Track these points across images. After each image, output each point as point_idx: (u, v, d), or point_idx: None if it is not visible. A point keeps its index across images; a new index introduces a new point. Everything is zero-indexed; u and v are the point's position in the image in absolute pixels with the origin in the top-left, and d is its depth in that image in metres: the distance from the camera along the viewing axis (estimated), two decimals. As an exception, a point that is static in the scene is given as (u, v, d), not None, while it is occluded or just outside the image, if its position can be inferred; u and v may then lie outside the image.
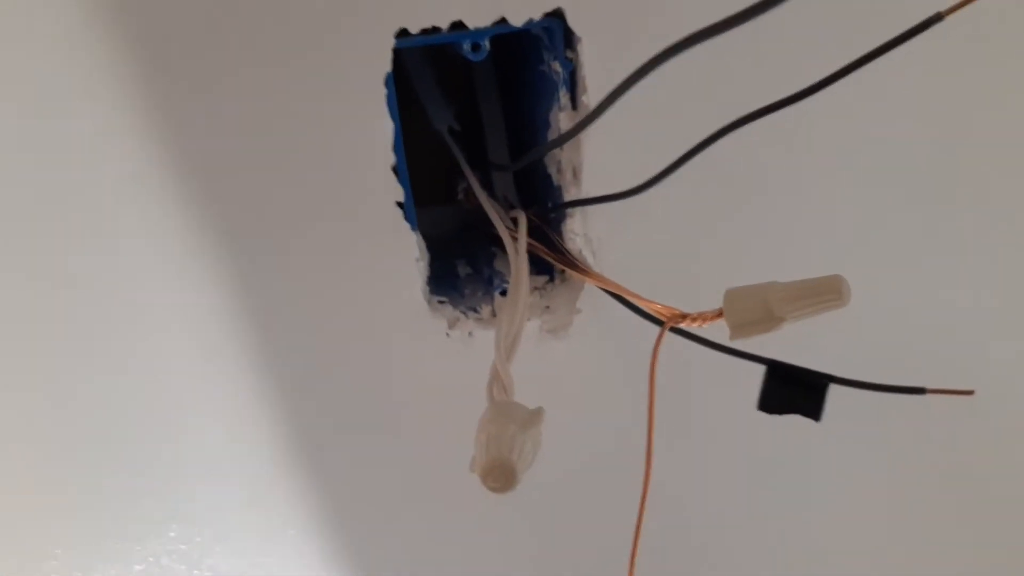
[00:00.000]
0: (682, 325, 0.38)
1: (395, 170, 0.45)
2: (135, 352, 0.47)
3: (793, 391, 0.40)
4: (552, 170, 0.49)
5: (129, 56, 0.41)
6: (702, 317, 0.38)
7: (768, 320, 0.34)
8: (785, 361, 0.40)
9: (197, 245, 0.45)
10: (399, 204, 0.45)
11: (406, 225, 0.46)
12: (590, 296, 0.50)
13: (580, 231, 0.49)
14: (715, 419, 0.54)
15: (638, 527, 0.37)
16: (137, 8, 0.40)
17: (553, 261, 0.44)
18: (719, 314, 0.36)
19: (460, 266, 0.54)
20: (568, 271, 0.44)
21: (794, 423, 0.38)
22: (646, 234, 0.48)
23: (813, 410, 0.40)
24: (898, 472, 0.58)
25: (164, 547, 0.51)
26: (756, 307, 0.35)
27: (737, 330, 0.35)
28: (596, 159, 0.48)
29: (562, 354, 0.51)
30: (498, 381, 0.35)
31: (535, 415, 0.31)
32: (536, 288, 0.52)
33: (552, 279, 0.52)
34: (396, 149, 0.45)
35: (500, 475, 0.27)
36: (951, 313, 0.53)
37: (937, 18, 0.34)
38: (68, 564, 0.51)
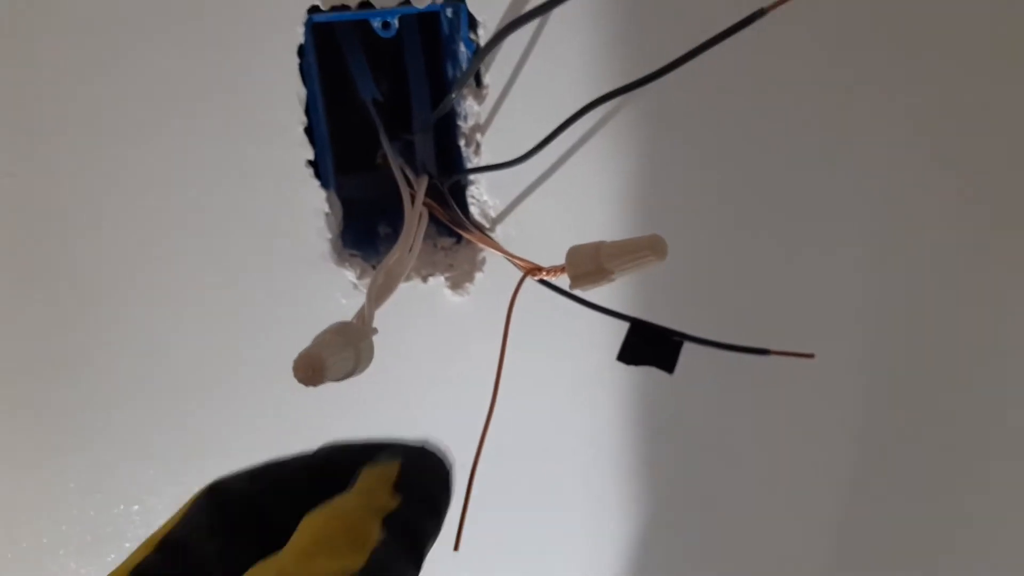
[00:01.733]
0: (539, 277, 0.43)
1: (307, 131, 0.50)
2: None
3: (652, 347, 0.45)
4: (462, 143, 0.54)
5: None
6: (552, 270, 0.43)
7: (599, 272, 0.39)
8: (646, 320, 0.45)
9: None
10: (310, 162, 0.50)
11: (316, 182, 0.51)
12: (490, 258, 0.55)
13: (478, 197, 0.54)
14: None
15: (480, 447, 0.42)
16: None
17: (441, 218, 0.49)
18: (563, 268, 0.42)
19: (381, 227, 0.59)
20: (455, 228, 0.49)
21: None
22: (525, 201, 0.53)
23: (668, 364, 0.45)
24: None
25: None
26: (589, 261, 0.40)
27: (575, 281, 0.40)
28: (494, 134, 0.53)
29: (461, 307, 0.56)
30: (360, 314, 0.40)
31: (364, 332, 0.36)
32: (443, 248, 0.57)
33: (458, 241, 0.57)
34: (310, 112, 0.51)
35: (307, 366, 0.31)
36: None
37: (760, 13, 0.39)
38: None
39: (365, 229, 0.59)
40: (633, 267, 0.39)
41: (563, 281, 0.43)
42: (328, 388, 0.55)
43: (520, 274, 0.45)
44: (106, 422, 0.55)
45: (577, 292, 0.41)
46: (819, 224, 0.57)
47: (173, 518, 0.28)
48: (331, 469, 0.29)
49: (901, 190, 0.56)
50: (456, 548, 0.39)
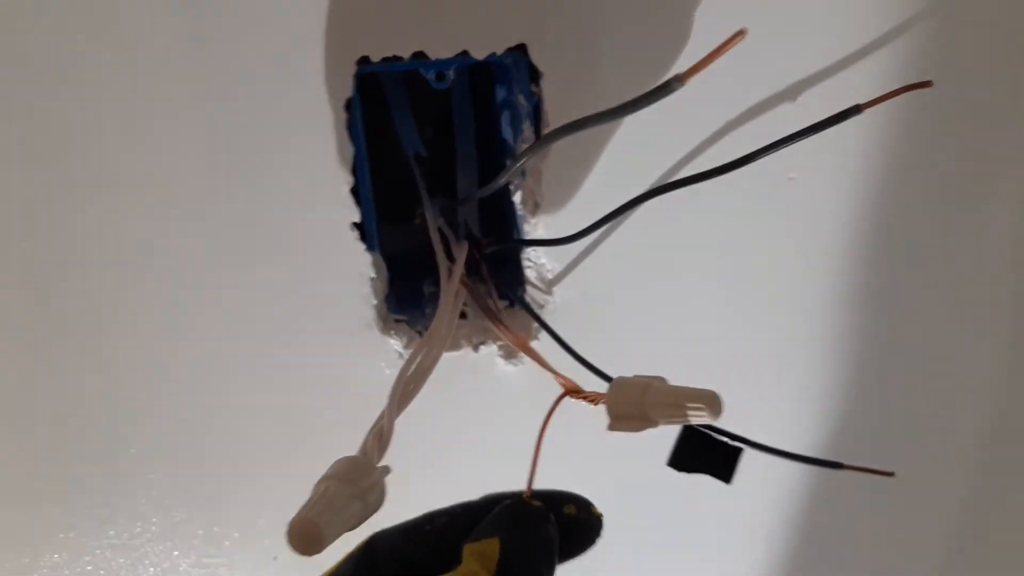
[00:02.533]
0: (574, 399, 0.38)
1: (354, 192, 0.46)
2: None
3: (708, 452, 0.40)
4: (517, 198, 0.49)
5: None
6: (591, 397, 0.38)
7: (641, 419, 0.34)
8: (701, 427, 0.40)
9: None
10: (355, 225, 0.47)
11: (361, 245, 0.47)
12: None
13: (535, 260, 0.49)
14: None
15: None
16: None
17: (476, 302, 0.45)
18: (602, 398, 0.36)
19: (425, 285, 0.55)
20: (489, 319, 0.44)
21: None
22: (586, 262, 0.48)
23: (725, 474, 0.39)
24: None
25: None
26: (633, 404, 0.34)
27: (614, 422, 0.35)
28: (555, 194, 0.47)
29: (514, 377, 0.52)
30: (377, 431, 0.36)
31: (374, 477, 0.31)
32: (496, 312, 0.52)
33: (512, 304, 0.52)
34: (357, 171, 0.46)
35: (302, 536, 0.26)
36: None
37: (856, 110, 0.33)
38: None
39: (410, 289, 0.55)
40: (681, 420, 0.33)
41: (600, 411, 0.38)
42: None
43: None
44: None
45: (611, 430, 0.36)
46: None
47: (330, 569, 0.30)
48: (461, 529, 0.31)
49: None
50: None
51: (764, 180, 0.47)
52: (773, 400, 0.53)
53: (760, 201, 0.47)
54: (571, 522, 0.33)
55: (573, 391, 0.39)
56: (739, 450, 0.39)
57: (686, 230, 0.48)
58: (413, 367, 0.40)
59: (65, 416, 0.50)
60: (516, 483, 0.54)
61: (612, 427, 0.35)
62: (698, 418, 0.33)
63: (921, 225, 0.49)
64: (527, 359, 0.51)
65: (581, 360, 0.43)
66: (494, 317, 0.44)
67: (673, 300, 0.50)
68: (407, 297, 0.52)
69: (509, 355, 0.51)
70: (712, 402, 0.32)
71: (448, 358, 0.47)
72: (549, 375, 0.40)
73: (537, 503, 0.32)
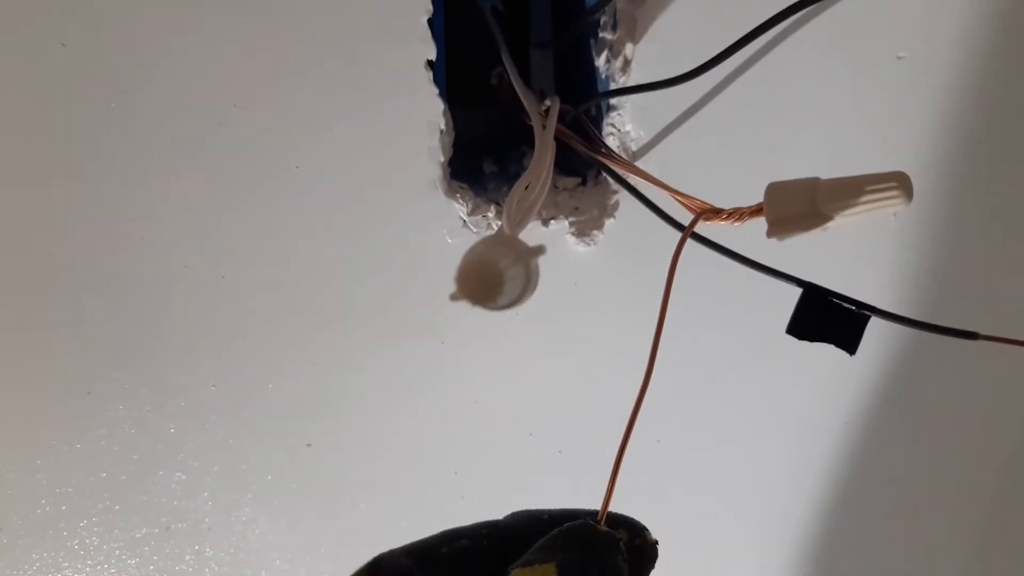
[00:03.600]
0: (716, 221, 0.34)
1: (430, 23, 0.41)
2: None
3: (829, 319, 0.36)
4: (600, 60, 0.45)
5: None
6: (739, 213, 0.33)
7: (812, 217, 0.30)
8: (823, 287, 0.35)
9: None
10: (430, 63, 0.42)
11: (434, 89, 0.42)
12: (624, 201, 0.46)
13: (619, 127, 0.45)
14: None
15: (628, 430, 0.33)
16: None
17: (585, 150, 0.40)
18: (758, 210, 0.32)
19: (486, 164, 0.50)
20: (600, 160, 0.40)
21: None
22: (675, 134, 0.44)
23: (849, 343, 0.35)
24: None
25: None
26: (800, 201, 0.30)
27: (776, 226, 0.31)
28: (649, 49, 0.43)
29: (585, 257, 0.47)
30: (508, 210, 0.31)
31: (531, 248, 0.27)
32: (567, 190, 0.48)
33: (584, 182, 0.48)
34: (434, 10, 0.42)
35: (479, 279, 0.23)
36: None
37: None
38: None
39: (470, 165, 0.50)
40: (864, 211, 0.29)
41: (746, 230, 0.34)
42: (431, 328, 0.47)
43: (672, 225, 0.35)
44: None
45: (775, 239, 0.31)
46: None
47: None
48: (485, 553, 0.27)
49: None
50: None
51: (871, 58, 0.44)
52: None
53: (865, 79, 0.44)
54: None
55: (709, 212, 0.34)
56: (866, 317, 0.35)
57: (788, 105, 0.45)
58: (519, 189, 0.35)
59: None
60: (576, 376, 0.49)
61: (773, 232, 0.31)
62: (887, 204, 0.29)
63: None
64: (601, 238, 0.46)
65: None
66: (609, 156, 0.39)
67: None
68: (467, 171, 0.47)
69: (582, 232, 0.46)
70: (903, 181, 0.28)
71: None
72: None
73: (605, 529, 0.26)
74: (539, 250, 0.29)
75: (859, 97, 0.44)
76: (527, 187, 0.37)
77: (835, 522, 0.55)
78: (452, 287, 0.28)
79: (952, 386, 0.51)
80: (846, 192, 0.29)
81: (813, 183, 0.30)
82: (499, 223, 0.46)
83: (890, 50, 0.44)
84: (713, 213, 0.34)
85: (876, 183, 0.29)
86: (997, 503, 0.54)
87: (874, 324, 0.35)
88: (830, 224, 0.30)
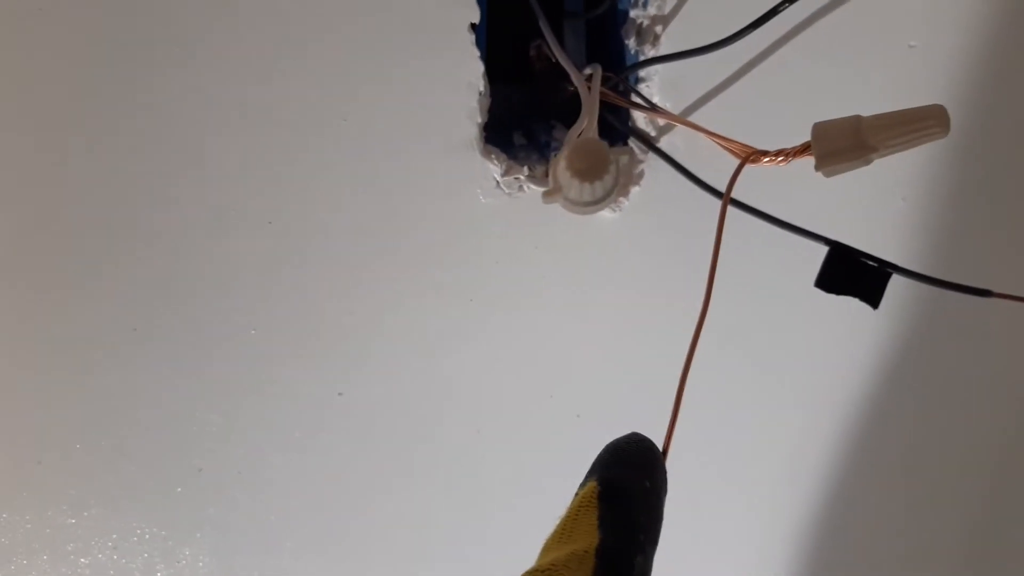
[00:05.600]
0: (762, 162, 0.36)
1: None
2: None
3: (853, 275, 0.39)
4: (630, 39, 0.47)
5: None
6: (784, 153, 0.36)
7: (859, 148, 0.32)
8: (849, 245, 0.38)
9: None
10: (473, 26, 0.44)
11: (476, 51, 0.44)
12: (649, 171, 0.48)
13: (648, 99, 0.47)
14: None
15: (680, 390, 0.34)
16: None
17: (627, 105, 0.43)
18: (805, 148, 0.35)
19: (516, 136, 0.52)
20: (645, 113, 0.42)
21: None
22: (704, 109, 0.46)
23: (872, 296, 0.38)
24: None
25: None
26: (846, 136, 0.33)
27: (824, 159, 0.33)
28: (677, 23, 0.46)
29: (612, 224, 0.49)
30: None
31: (621, 149, 0.29)
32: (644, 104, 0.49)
33: (617, 142, 0.50)
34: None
35: (587, 154, 0.25)
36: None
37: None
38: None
39: (501, 136, 0.52)
40: (906, 142, 0.32)
41: (788, 171, 0.36)
42: (460, 285, 0.48)
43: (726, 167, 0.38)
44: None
45: (823, 173, 0.34)
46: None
47: None
48: None
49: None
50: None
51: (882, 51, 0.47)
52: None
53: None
54: None
55: (753, 155, 0.36)
56: (888, 274, 0.38)
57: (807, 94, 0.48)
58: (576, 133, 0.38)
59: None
60: (598, 342, 0.50)
61: (820, 166, 0.33)
62: (928, 136, 0.32)
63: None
64: (627, 205, 0.49)
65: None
66: (652, 109, 0.41)
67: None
68: (498, 142, 0.49)
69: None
70: (941, 116, 0.31)
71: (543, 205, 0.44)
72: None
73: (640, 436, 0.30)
74: (627, 150, 0.31)
75: (870, 81, 0.48)
76: (580, 134, 0.39)
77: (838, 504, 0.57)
78: (558, 176, 0.29)
79: (966, 357, 0.54)
80: (889, 125, 0.32)
81: (857, 120, 0.33)
82: (531, 186, 0.48)
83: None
84: (759, 155, 0.36)
85: (916, 117, 0.32)
86: (1002, 478, 0.57)
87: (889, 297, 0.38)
88: (874, 156, 0.33)
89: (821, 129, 0.34)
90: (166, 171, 0.44)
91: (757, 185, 0.39)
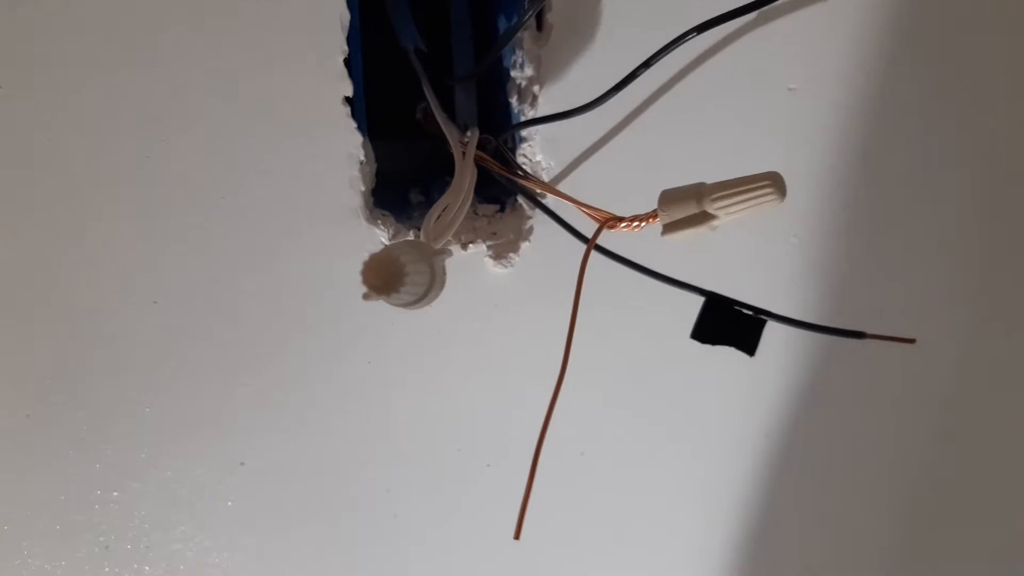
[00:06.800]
0: (619, 228, 0.37)
1: (346, 63, 0.44)
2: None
3: (729, 325, 0.39)
4: (513, 99, 0.48)
5: None
6: (637, 219, 0.36)
7: (700, 216, 0.33)
8: (724, 295, 0.39)
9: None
10: (347, 100, 0.44)
11: (352, 123, 0.45)
12: (538, 226, 0.49)
13: (530, 157, 0.48)
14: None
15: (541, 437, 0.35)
16: None
17: (501, 172, 0.43)
18: (654, 216, 0.35)
19: (413, 194, 0.53)
20: (513, 181, 0.43)
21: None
22: (585, 164, 0.47)
23: (748, 345, 0.39)
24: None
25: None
26: (688, 203, 0.34)
27: (670, 228, 0.34)
28: (554, 84, 0.47)
29: (503, 279, 0.49)
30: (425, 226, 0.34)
31: (437, 250, 0.30)
32: (486, 216, 0.51)
33: (502, 209, 0.51)
34: (350, 48, 0.44)
35: (380, 271, 0.25)
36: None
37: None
38: None
39: (396, 196, 0.52)
40: (744, 209, 0.33)
41: (646, 234, 0.37)
42: (357, 349, 0.48)
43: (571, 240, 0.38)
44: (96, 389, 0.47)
45: (667, 240, 0.35)
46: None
47: None
48: None
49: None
50: (517, 536, 0.33)
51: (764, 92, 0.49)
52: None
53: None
54: None
55: (611, 220, 0.37)
56: (763, 321, 0.38)
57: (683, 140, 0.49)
58: (439, 208, 0.38)
59: None
60: (501, 393, 0.51)
61: (667, 233, 0.34)
62: (764, 200, 0.32)
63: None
64: (517, 260, 0.49)
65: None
66: (523, 176, 0.42)
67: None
68: (393, 200, 0.49)
69: (499, 255, 0.49)
70: (775, 179, 0.32)
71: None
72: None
73: None
74: (444, 251, 0.31)
75: (751, 123, 0.49)
76: (445, 208, 0.40)
77: (763, 529, 0.58)
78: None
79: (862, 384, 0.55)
80: (728, 194, 0.33)
81: (699, 186, 0.34)
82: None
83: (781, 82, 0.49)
84: (615, 221, 0.37)
85: (753, 182, 0.32)
86: (917, 493, 0.58)
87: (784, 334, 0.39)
88: (716, 223, 0.34)
89: (667, 197, 0.35)
90: (48, 255, 0.44)
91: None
